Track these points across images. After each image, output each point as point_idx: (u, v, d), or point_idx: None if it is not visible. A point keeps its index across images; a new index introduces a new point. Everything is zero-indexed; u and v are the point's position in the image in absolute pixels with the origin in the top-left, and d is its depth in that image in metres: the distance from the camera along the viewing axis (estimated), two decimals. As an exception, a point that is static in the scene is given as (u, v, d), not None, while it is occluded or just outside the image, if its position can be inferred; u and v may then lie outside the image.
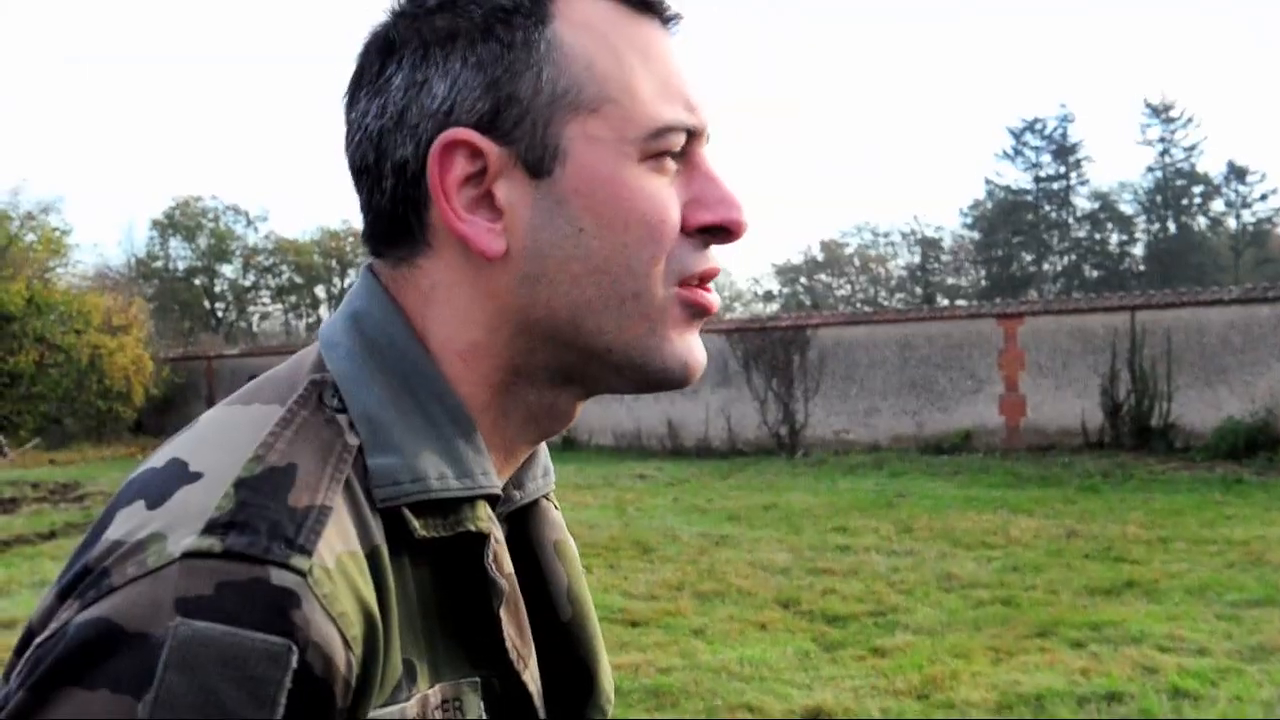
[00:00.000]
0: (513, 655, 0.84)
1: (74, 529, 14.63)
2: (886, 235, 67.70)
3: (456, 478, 0.81)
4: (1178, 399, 18.29)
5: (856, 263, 68.32)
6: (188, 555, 0.68)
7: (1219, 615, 7.98)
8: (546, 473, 1.00)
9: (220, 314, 59.88)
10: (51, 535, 14.09)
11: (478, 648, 0.83)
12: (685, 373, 0.88)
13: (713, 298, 0.89)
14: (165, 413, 30.66)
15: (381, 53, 0.86)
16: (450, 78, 0.83)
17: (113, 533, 0.72)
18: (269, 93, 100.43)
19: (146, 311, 34.34)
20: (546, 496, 1.01)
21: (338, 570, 0.71)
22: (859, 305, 60.65)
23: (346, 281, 59.16)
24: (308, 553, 0.70)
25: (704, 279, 0.88)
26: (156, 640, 0.65)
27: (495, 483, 0.84)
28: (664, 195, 0.85)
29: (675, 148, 0.85)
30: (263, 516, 0.71)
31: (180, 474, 0.75)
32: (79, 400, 28.81)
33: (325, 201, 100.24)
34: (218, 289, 60.23)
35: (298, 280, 58.88)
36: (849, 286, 68.55)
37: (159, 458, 0.78)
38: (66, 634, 0.67)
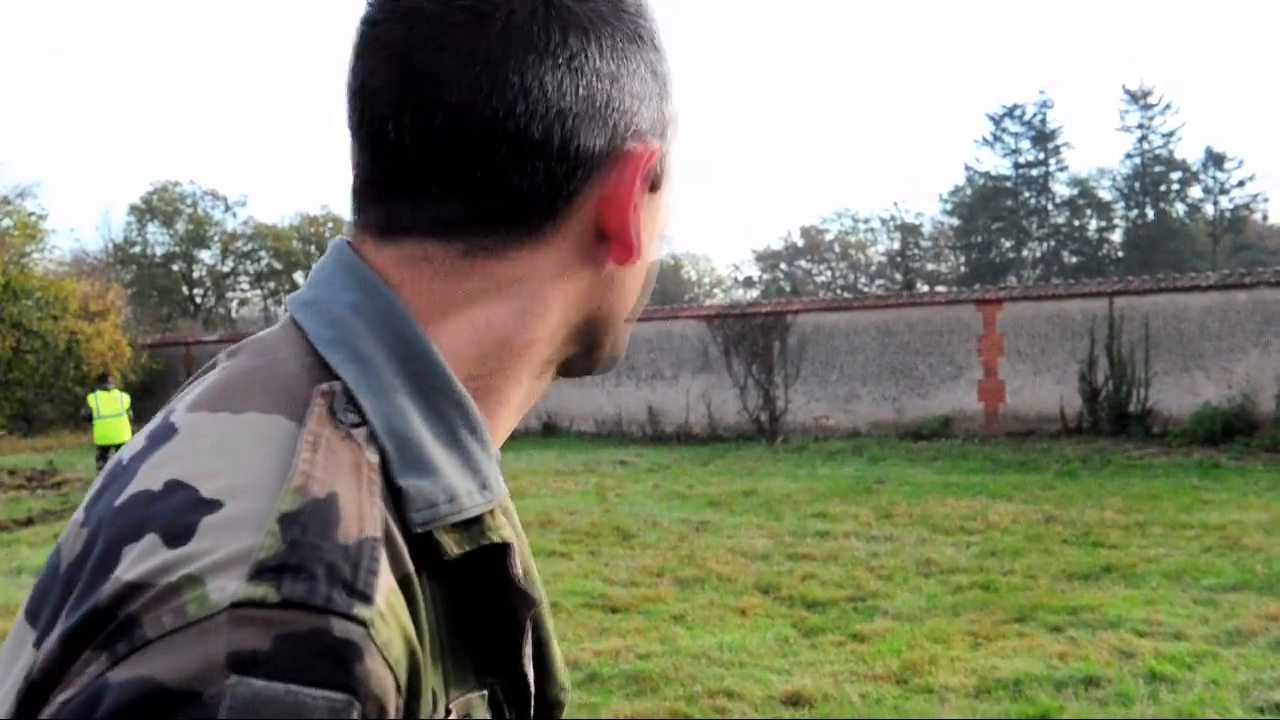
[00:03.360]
0: (526, 663, 0.82)
1: (51, 515, 14.60)
2: (866, 221, 67.92)
3: (480, 490, 0.77)
4: (1155, 385, 18.38)
5: (837, 249, 68.49)
6: (238, 604, 0.62)
7: (1196, 600, 8.04)
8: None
9: (199, 300, 59.62)
10: (29, 522, 14.07)
11: (488, 657, 0.80)
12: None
13: None
14: (144, 398, 30.48)
15: (561, 24, 0.79)
16: (641, 81, 0.83)
17: (126, 572, 0.65)
18: (248, 79, 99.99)
19: (124, 297, 34.19)
20: None
21: (389, 611, 0.66)
22: (839, 291, 60.78)
23: (326, 267, 59.03)
24: (369, 599, 0.65)
25: None
26: (211, 700, 0.59)
27: (504, 487, 0.81)
28: None
29: None
30: (318, 559, 0.64)
31: (192, 501, 0.67)
32: (56, 386, 28.66)
33: (304, 187, 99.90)
34: (196, 275, 59.95)
35: (276, 266, 58.62)
36: (829, 272, 68.72)
37: (150, 477, 0.71)
38: (102, 694, 0.60)
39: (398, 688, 0.65)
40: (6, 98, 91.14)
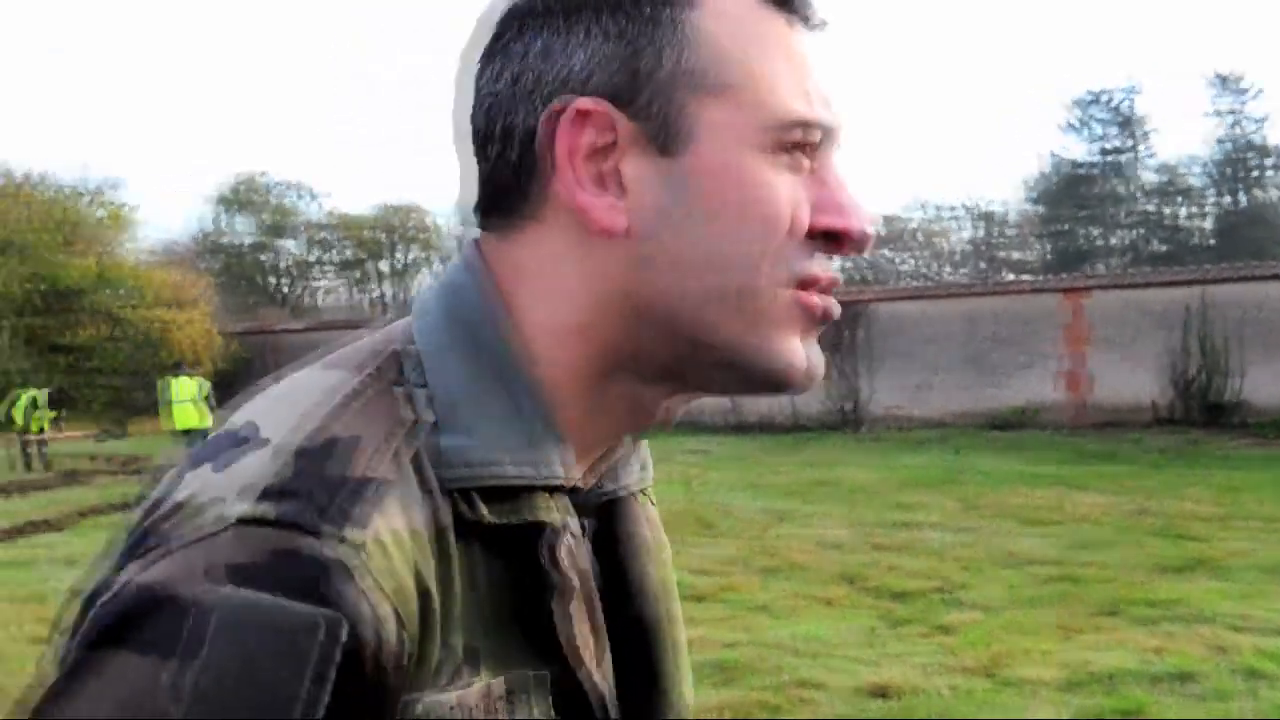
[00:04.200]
0: (583, 652, 0.81)
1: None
2: (950, 209, 67.13)
3: (530, 465, 0.78)
4: (1248, 375, 18.00)
5: (919, 237, 67.79)
6: (242, 521, 0.67)
7: (1293, 595, 7.86)
8: (644, 467, 0.97)
9: (284, 289, 60.47)
10: (124, 506, 14.35)
11: (545, 642, 0.79)
12: (799, 377, 0.83)
13: (834, 306, 0.84)
14: (231, 386, 30.97)
15: (514, 19, 0.84)
16: (586, 47, 0.80)
17: (179, 494, 0.72)
18: (331, 72, 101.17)
19: (212, 286, 34.75)
20: (644, 491, 0.98)
21: (395, 545, 0.69)
22: (921, 280, 60.20)
23: (410, 256, 59.57)
24: (362, 525, 0.68)
25: (825, 286, 0.84)
26: (207, 606, 0.64)
27: (571, 474, 0.81)
28: (789, 191, 0.81)
29: (806, 143, 0.82)
30: (319, 487, 0.69)
31: (250, 438, 0.74)
32: (147, 374, 29.22)
33: (384, 178, 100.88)
34: (280, 264, 60.81)
35: (359, 255, 59.29)
36: (911, 261, 68.04)
37: (236, 419, 0.77)
38: (122, 594, 0.66)
39: (400, 621, 0.68)
40: (97, 93, 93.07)
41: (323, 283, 61.83)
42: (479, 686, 0.75)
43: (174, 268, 33.77)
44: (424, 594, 0.70)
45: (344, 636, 0.65)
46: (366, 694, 0.67)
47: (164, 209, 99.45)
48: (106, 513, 13.82)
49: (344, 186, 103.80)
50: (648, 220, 0.79)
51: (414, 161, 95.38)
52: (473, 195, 0.87)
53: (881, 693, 6.08)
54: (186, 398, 17.61)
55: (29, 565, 10.17)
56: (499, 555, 0.77)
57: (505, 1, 0.85)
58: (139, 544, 0.70)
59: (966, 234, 67.74)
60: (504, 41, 0.84)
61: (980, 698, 5.99)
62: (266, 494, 0.68)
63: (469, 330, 0.81)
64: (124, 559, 0.70)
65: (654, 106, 0.79)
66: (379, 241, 58.35)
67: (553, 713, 0.79)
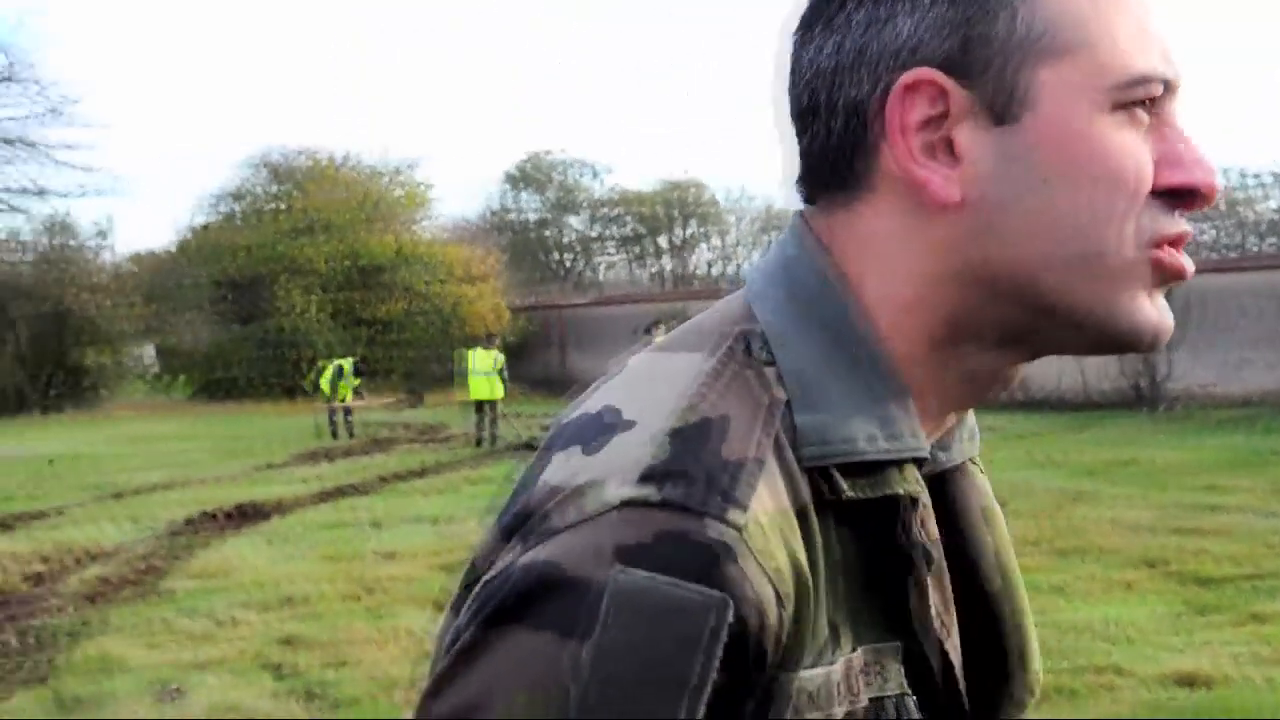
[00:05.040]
0: (935, 623, 0.81)
1: (443, 467, 15.61)
2: (1256, 177, 63.13)
3: (885, 439, 0.78)
4: None
5: (1221, 206, 64.00)
6: (626, 504, 0.69)
7: None
8: (972, 435, 0.96)
9: (568, 264, 62.03)
10: (422, 473, 15.08)
11: (896, 614, 0.80)
12: (1149, 337, 0.81)
13: (1186, 263, 0.82)
14: (520, 360, 32.10)
15: None
16: (914, 15, 0.78)
17: (550, 476, 0.73)
18: (614, 49, 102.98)
19: (501, 262, 35.98)
20: (972, 460, 0.97)
21: (771, 526, 0.70)
22: (1225, 251, 56.86)
23: (688, 231, 60.11)
24: (743, 506, 0.69)
25: (1175, 243, 0.81)
26: (598, 586, 0.66)
27: (923, 445, 0.81)
28: (1136, 150, 0.78)
29: (1149, 99, 0.79)
30: (698, 467, 0.70)
31: (614, 421, 0.75)
32: (442, 347, 30.53)
33: (667, 154, 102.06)
34: (565, 240, 62.37)
35: (641, 230, 60.23)
36: (1213, 231, 64.37)
37: (593, 403, 0.79)
38: (512, 575, 0.69)
39: (778, 599, 0.69)
40: (396, 80, 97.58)
41: (603, 258, 63.08)
42: (841, 662, 0.76)
43: (466, 244, 35.10)
44: (798, 573, 0.71)
45: (730, 617, 0.66)
46: (748, 674, 0.69)
47: (456, 188, 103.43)
48: (407, 479, 14.53)
49: (627, 163, 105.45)
50: (985, 189, 0.78)
51: (695, 137, 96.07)
52: (795, 170, 0.87)
53: (1189, 681, 5.81)
54: (483, 370, 18.29)
55: (340, 527, 10.80)
56: (853, 530, 0.78)
57: None
58: (516, 525, 0.73)
59: (1274, 203, 63.47)
60: (826, 13, 0.83)
61: (1301, 692, 5.65)
62: (647, 476, 0.70)
63: (813, 307, 0.82)
64: (501, 539, 0.74)
65: (989, 74, 0.78)
66: (660, 217, 59.12)
67: (906, 685, 0.80)
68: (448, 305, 31.42)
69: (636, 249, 61.27)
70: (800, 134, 0.85)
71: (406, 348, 31.41)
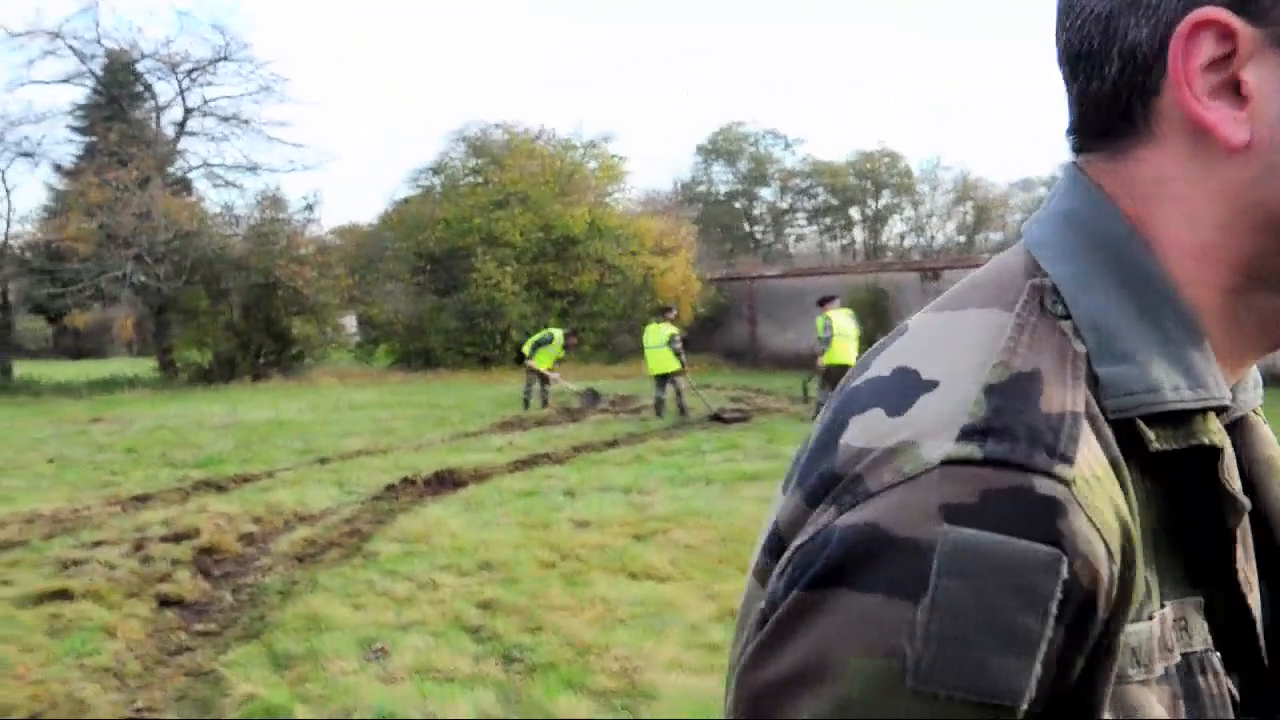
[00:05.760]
0: (1240, 576, 0.78)
1: (634, 438, 15.75)
2: None
3: (1189, 388, 0.76)
4: None
5: None
6: (947, 462, 0.68)
7: None
8: (1256, 385, 0.93)
9: (759, 236, 61.87)
10: (613, 444, 15.24)
11: (1199, 567, 0.78)
12: None
13: None
14: (710, 332, 32.21)
15: None
16: None
17: (853, 439, 0.73)
18: (806, 23, 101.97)
19: (693, 234, 36.07)
20: (1255, 411, 0.93)
21: (1095, 479, 0.68)
22: None
23: (881, 203, 59.34)
24: (1069, 460, 0.68)
25: None
26: (926, 546, 0.65)
27: (1227, 394, 0.78)
28: None
29: None
30: (1019, 423, 0.69)
31: (914, 382, 0.74)
32: (633, 318, 30.79)
33: (860, 124, 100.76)
34: (756, 212, 62.21)
35: (833, 202, 59.69)
36: None
37: (881, 367, 0.78)
38: (831, 537, 0.68)
39: (1109, 554, 0.67)
40: (590, 59, 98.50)
41: (793, 230, 62.73)
42: (1158, 615, 0.74)
43: (658, 217, 35.28)
44: (1124, 527, 0.69)
45: (1064, 573, 0.65)
46: (1082, 632, 0.67)
47: (649, 161, 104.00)
48: (599, 449, 14.70)
49: (820, 133, 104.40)
50: (1275, 129, 0.75)
51: (888, 107, 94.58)
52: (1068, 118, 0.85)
53: None
54: (654, 344, 18.40)
55: (534, 495, 10.98)
56: (1156, 481, 0.76)
57: None
58: (827, 489, 0.72)
59: None
60: None
61: None
62: (967, 433, 0.69)
63: (1107, 257, 0.80)
64: (806, 504, 0.73)
65: (1277, 10, 0.74)
66: (853, 188, 58.47)
67: (1210, 640, 0.78)
68: (638, 277, 31.64)
69: (827, 220, 60.76)
70: (1071, 80, 0.83)
71: (598, 319, 31.76)
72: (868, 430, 0.73)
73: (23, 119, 32.02)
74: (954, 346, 0.76)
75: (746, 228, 61.74)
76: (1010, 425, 0.69)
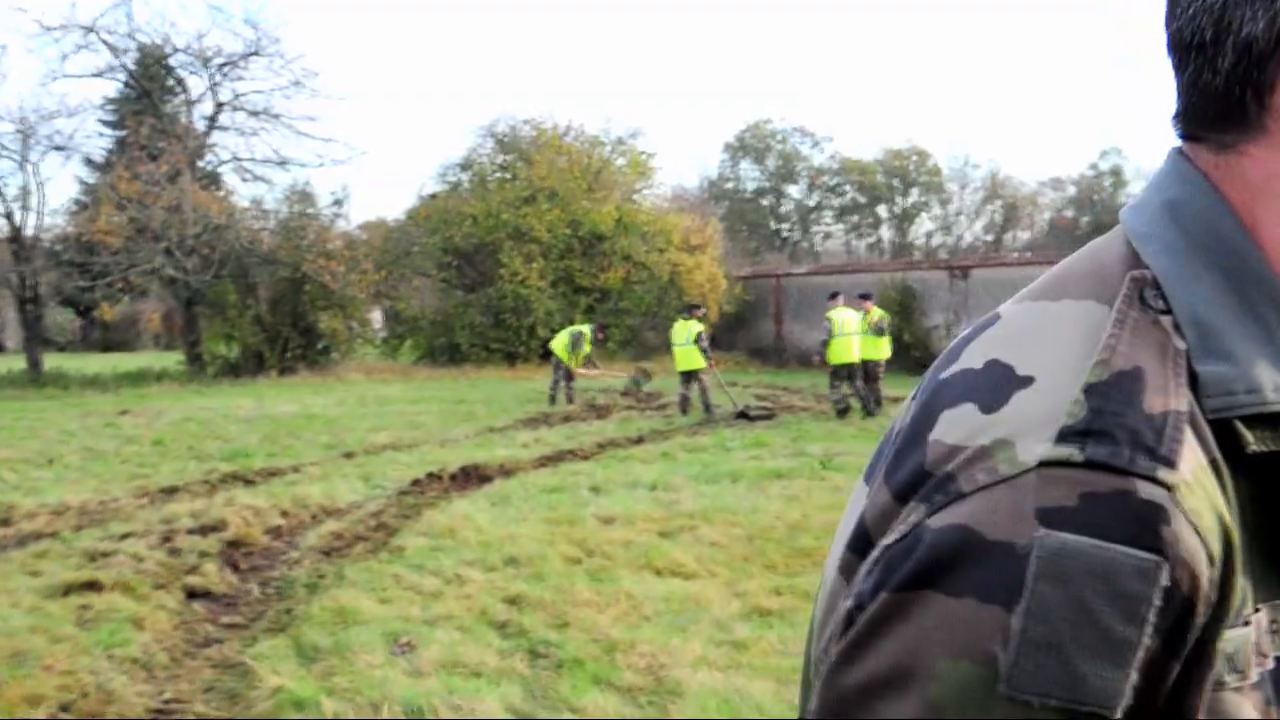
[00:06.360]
0: None
1: (659, 435, 15.73)
2: None
3: None
4: None
5: None
6: (1045, 464, 0.66)
7: None
8: None
9: (785, 234, 61.74)
10: (639, 440, 15.22)
11: None
12: None
13: None
14: (736, 329, 32.17)
15: None
16: None
17: (943, 435, 0.72)
18: (835, 20, 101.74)
19: (720, 231, 36.01)
20: None
21: (1197, 483, 0.67)
22: None
23: (909, 201, 59.16)
24: (1172, 464, 0.66)
25: None
26: (1021, 550, 0.64)
27: None
28: None
29: None
30: (1120, 425, 0.67)
31: (1008, 377, 0.73)
32: (660, 315, 30.77)
33: (889, 121, 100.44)
34: (783, 209, 62.08)
35: (860, 200, 59.51)
36: None
37: (972, 358, 0.77)
38: (922, 539, 0.67)
39: (1210, 559, 0.65)
40: (620, 46, 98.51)
41: (820, 228, 62.58)
42: (1253, 620, 0.72)
43: (685, 214, 35.24)
44: (1225, 531, 0.68)
45: (1164, 581, 0.63)
46: (1179, 639, 0.65)
47: (676, 158, 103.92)
48: (624, 445, 14.69)
49: (848, 131, 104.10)
50: None
51: (918, 104, 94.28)
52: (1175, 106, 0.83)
53: None
54: (679, 341, 18.41)
55: (560, 490, 10.97)
56: (1253, 483, 0.73)
57: None
58: (916, 486, 0.71)
59: None
60: None
61: None
62: (1066, 435, 0.68)
63: (1211, 252, 0.77)
64: (896, 501, 0.72)
65: None
66: (881, 185, 58.28)
67: None
68: (665, 274, 31.61)
69: (855, 218, 60.60)
70: (1180, 69, 0.81)
71: (625, 316, 31.73)
72: (959, 426, 0.72)
73: (56, 113, 32.34)
74: (1050, 340, 0.75)
75: (773, 225, 61.62)
76: (1112, 427, 0.67)
